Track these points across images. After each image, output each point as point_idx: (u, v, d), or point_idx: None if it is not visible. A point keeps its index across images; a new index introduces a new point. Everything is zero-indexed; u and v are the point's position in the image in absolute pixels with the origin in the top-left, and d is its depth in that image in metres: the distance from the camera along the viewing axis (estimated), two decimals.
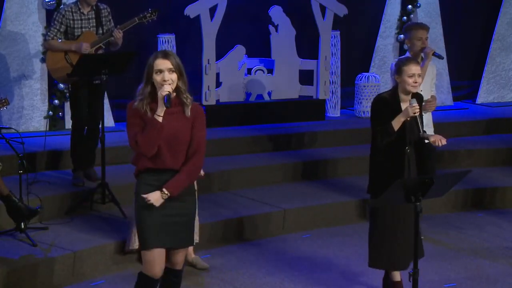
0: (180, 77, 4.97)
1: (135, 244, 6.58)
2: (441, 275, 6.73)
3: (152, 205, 4.97)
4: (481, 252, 7.34)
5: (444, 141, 6.08)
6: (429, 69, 7.39)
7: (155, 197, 4.98)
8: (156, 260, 5.05)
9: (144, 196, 4.98)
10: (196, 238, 6.70)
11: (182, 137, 5.01)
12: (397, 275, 6.15)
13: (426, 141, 6.04)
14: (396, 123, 5.91)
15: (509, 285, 6.59)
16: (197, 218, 6.70)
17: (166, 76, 4.91)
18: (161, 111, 4.91)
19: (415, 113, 5.89)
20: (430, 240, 7.52)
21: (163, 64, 4.93)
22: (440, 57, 7.41)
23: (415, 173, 6.05)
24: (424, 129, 6.12)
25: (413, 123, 5.99)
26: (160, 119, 4.91)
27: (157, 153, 4.97)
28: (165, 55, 4.97)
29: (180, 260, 5.23)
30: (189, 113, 5.00)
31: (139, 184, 5.07)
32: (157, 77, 4.93)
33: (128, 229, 6.76)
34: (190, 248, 6.76)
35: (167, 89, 4.89)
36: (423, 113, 6.79)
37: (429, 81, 7.41)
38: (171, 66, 4.93)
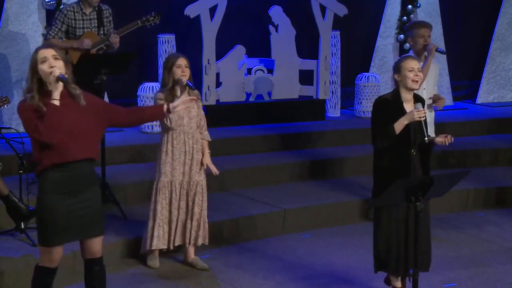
0: (65, 66, 4.97)
1: (151, 245, 6.60)
2: (441, 275, 6.73)
3: (57, 205, 4.96)
4: (481, 252, 7.34)
5: (451, 139, 5.98)
6: (433, 68, 7.39)
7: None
8: (55, 255, 5.14)
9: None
10: (205, 241, 6.74)
11: (85, 126, 5.00)
12: (398, 282, 6.08)
13: (427, 140, 5.92)
14: (398, 126, 5.78)
15: (509, 285, 6.59)
16: (206, 219, 6.73)
17: (52, 62, 4.90)
18: (56, 94, 4.88)
19: (420, 117, 5.76)
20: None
21: (47, 52, 4.93)
22: (442, 52, 7.42)
23: (420, 174, 5.92)
24: (428, 132, 5.97)
25: (417, 126, 5.86)
26: (57, 103, 4.87)
27: (61, 145, 4.90)
28: (47, 45, 5.09)
29: (97, 248, 5.20)
30: (84, 102, 5.01)
31: (43, 182, 4.99)
32: (44, 66, 4.89)
33: (143, 231, 6.72)
34: (191, 250, 6.77)
35: (56, 71, 4.86)
36: (430, 111, 6.74)
37: (433, 79, 7.40)
38: (54, 53, 4.95)
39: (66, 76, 4.91)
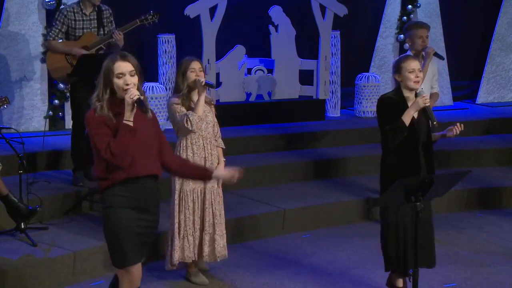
0: (139, 78, 4.78)
1: (174, 261, 6.37)
2: (441, 275, 6.73)
3: (131, 220, 4.77)
4: (481, 252, 7.34)
5: (460, 126, 5.97)
6: (430, 67, 7.39)
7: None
8: (137, 277, 4.89)
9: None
10: (225, 254, 6.54)
11: (152, 141, 4.85)
12: (399, 281, 6.05)
13: (436, 124, 5.88)
14: (407, 117, 5.74)
15: (510, 285, 6.60)
16: (225, 231, 6.54)
17: (128, 79, 4.72)
18: (129, 115, 4.68)
19: (425, 103, 5.74)
20: None
21: (124, 67, 4.73)
22: (440, 57, 7.41)
23: (425, 173, 5.86)
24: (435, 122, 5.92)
25: (423, 120, 5.85)
26: (131, 124, 4.68)
27: (130, 161, 4.73)
28: (124, 57, 4.77)
29: (140, 274, 4.97)
30: (150, 114, 4.87)
31: (112, 197, 4.78)
32: (119, 81, 4.71)
33: (167, 246, 6.49)
34: None
35: (135, 93, 4.68)
36: None
37: (430, 78, 7.41)
38: (132, 69, 4.75)
39: (142, 97, 4.71)
